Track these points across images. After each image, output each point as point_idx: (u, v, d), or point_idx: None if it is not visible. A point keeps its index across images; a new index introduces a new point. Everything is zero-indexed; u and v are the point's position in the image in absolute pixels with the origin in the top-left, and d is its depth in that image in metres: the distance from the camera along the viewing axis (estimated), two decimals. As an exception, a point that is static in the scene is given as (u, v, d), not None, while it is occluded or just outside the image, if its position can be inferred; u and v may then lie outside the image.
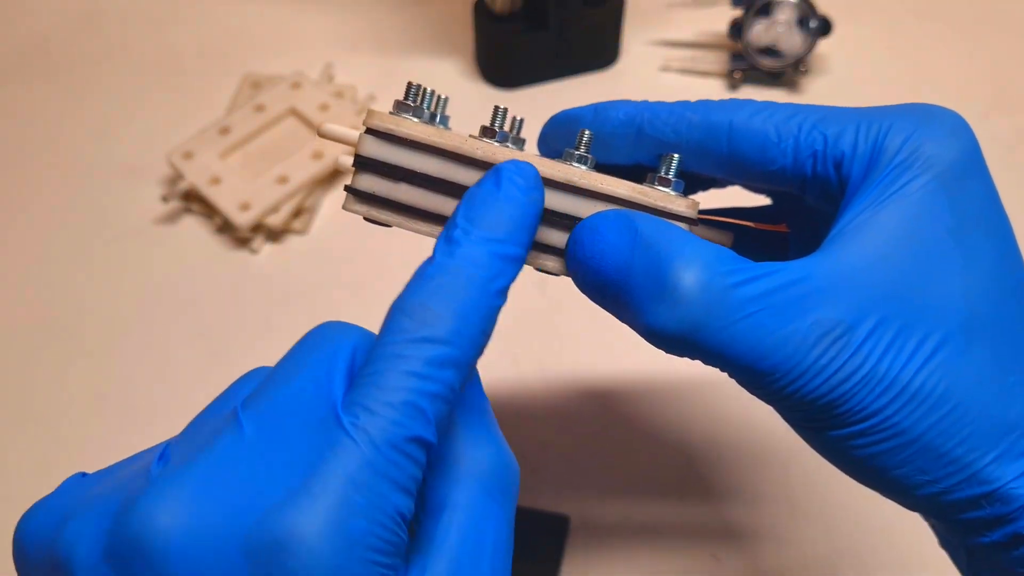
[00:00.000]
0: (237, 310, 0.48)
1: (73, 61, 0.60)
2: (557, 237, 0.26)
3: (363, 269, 0.49)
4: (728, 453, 0.42)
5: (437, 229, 0.27)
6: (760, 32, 0.54)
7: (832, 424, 0.23)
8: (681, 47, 0.59)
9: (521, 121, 0.29)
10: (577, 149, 0.27)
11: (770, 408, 0.28)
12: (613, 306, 0.25)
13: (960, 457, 0.23)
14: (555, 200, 0.26)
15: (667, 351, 0.24)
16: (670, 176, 0.26)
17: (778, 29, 0.53)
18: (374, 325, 0.49)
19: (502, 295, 0.23)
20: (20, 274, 0.49)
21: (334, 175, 0.53)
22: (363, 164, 0.28)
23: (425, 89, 0.28)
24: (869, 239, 0.24)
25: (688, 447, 0.42)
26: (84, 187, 0.53)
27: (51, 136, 0.56)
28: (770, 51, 0.55)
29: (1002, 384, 0.23)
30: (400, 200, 0.27)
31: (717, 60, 0.57)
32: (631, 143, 0.28)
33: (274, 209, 0.49)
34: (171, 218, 0.51)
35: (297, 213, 0.50)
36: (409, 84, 0.28)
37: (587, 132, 0.27)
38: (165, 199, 0.50)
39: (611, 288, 0.24)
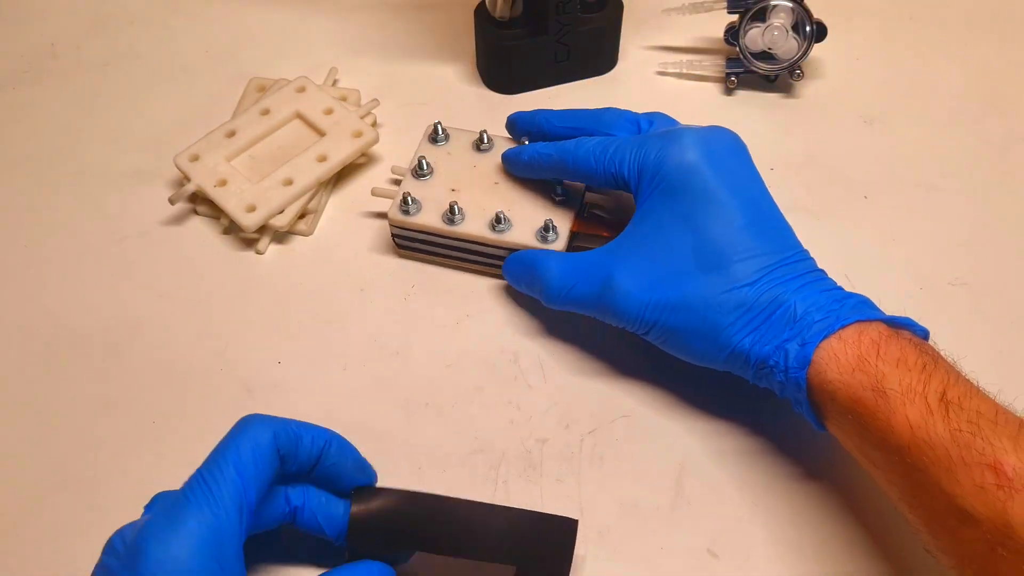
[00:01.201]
0: (243, 310, 0.48)
1: (81, 64, 0.61)
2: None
3: (367, 270, 0.50)
4: (728, 452, 0.43)
5: (457, 264, 0.50)
6: (755, 37, 0.55)
7: (644, 333, 0.42)
8: (678, 52, 0.60)
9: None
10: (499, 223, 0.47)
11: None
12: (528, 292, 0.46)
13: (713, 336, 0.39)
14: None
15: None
16: (558, 193, 0.48)
17: (773, 34, 0.54)
18: (375, 325, 0.50)
19: None
20: (27, 276, 0.50)
21: (338, 177, 0.53)
22: (395, 234, 0.50)
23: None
24: (634, 230, 0.43)
25: (688, 445, 0.43)
26: (91, 189, 0.54)
27: (58, 139, 0.56)
28: (765, 56, 0.56)
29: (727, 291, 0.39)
30: (425, 251, 0.50)
31: (713, 65, 0.58)
32: (534, 171, 0.48)
33: (279, 211, 0.50)
34: (178, 220, 0.52)
35: (302, 215, 0.51)
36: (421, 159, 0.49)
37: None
38: (172, 201, 0.51)
39: (523, 286, 0.46)
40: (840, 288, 0.40)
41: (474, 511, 0.36)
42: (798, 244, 0.41)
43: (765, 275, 0.39)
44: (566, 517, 0.36)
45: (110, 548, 0.31)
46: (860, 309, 0.38)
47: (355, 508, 0.36)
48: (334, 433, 0.36)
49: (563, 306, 0.43)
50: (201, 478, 0.31)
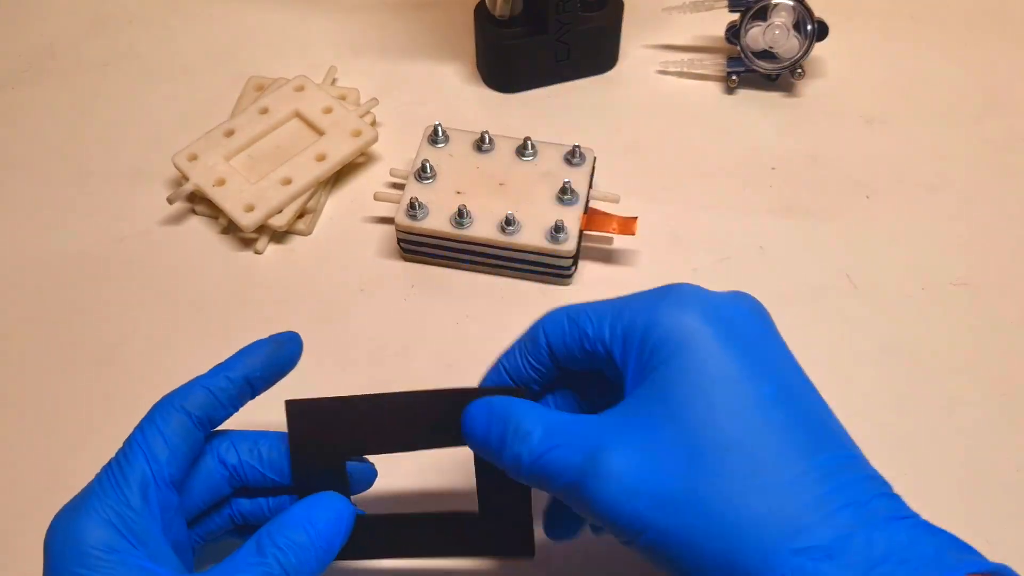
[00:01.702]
0: (242, 310, 0.48)
1: (79, 64, 0.60)
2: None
3: (367, 270, 0.50)
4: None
5: (465, 266, 0.49)
6: (757, 36, 0.55)
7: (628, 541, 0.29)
8: (678, 51, 0.60)
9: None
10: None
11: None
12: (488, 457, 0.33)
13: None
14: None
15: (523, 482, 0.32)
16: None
17: (775, 33, 0.54)
18: (375, 325, 0.50)
19: None
20: (26, 275, 0.50)
21: (337, 177, 0.53)
22: (402, 239, 0.49)
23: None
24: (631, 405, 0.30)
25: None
26: (90, 189, 0.54)
27: (57, 138, 0.56)
28: (767, 54, 0.55)
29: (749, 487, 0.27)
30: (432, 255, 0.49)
31: (714, 64, 0.58)
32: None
33: (278, 210, 0.50)
34: (176, 219, 0.52)
35: (301, 214, 0.51)
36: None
37: None
38: (170, 201, 0.51)
39: (489, 441, 0.32)
40: (916, 515, 0.28)
41: (415, 400, 0.34)
42: (854, 446, 0.30)
43: (822, 494, 0.27)
44: (511, 387, 0.34)
45: None
46: (958, 554, 0.27)
47: (291, 424, 0.34)
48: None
49: (533, 472, 0.30)
50: (108, 464, 0.32)
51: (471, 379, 0.45)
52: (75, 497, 0.31)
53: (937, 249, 0.50)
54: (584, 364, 0.33)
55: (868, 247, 0.50)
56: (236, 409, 0.35)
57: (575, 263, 0.48)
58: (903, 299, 0.48)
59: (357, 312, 0.48)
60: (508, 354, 0.35)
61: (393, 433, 0.34)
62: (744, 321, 0.30)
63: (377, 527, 0.35)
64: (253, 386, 0.35)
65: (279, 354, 0.36)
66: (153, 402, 0.44)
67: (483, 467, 0.34)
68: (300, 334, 0.46)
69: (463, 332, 0.47)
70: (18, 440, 0.44)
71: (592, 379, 0.34)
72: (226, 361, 0.35)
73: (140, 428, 0.33)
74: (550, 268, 0.48)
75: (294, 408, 0.34)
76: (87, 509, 0.30)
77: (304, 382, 0.45)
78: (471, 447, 0.33)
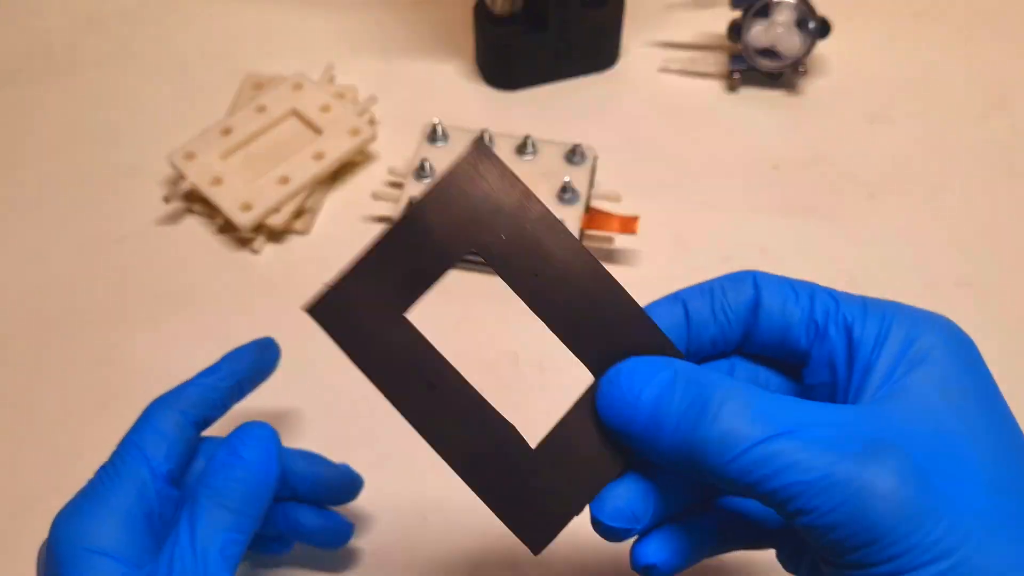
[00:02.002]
0: (239, 310, 0.48)
1: (75, 62, 0.60)
2: None
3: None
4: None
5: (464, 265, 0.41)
6: (759, 33, 0.54)
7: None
8: (680, 48, 0.59)
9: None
10: None
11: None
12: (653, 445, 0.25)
13: None
14: None
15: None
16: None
17: (777, 30, 0.54)
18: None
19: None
20: (21, 275, 0.49)
21: (335, 176, 0.53)
22: None
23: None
24: (912, 402, 0.24)
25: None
26: (86, 188, 0.53)
27: (53, 137, 0.56)
28: (769, 52, 0.55)
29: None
30: None
31: (716, 61, 0.57)
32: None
33: (275, 209, 0.49)
34: (173, 219, 0.52)
35: (298, 214, 0.50)
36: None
37: None
38: (167, 200, 0.50)
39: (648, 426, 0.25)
40: None
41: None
42: None
43: None
44: (672, 344, 0.26)
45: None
46: None
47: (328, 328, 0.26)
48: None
49: (751, 463, 0.23)
50: (104, 465, 0.31)
51: (470, 380, 0.44)
52: (74, 499, 0.31)
53: (940, 249, 0.49)
54: (773, 342, 0.27)
55: (871, 247, 0.50)
56: (227, 410, 0.35)
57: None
58: (906, 299, 0.47)
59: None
60: (695, 293, 0.28)
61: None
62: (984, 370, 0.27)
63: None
64: (242, 388, 0.35)
65: (263, 358, 0.37)
66: (149, 402, 0.44)
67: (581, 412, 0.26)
68: (298, 333, 0.46)
69: (463, 332, 0.47)
70: (15, 440, 0.43)
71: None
72: (216, 364, 0.35)
73: (136, 427, 0.32)
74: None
75: (319, 308, 0.26)
76: (88, 513, 0.30)
77: (304, 382, 0.45)
78: (609, 413, 0.26)
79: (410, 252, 0.25)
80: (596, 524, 0.26)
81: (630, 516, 0.26)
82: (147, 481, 0.30)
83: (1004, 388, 0.33)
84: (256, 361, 0.36)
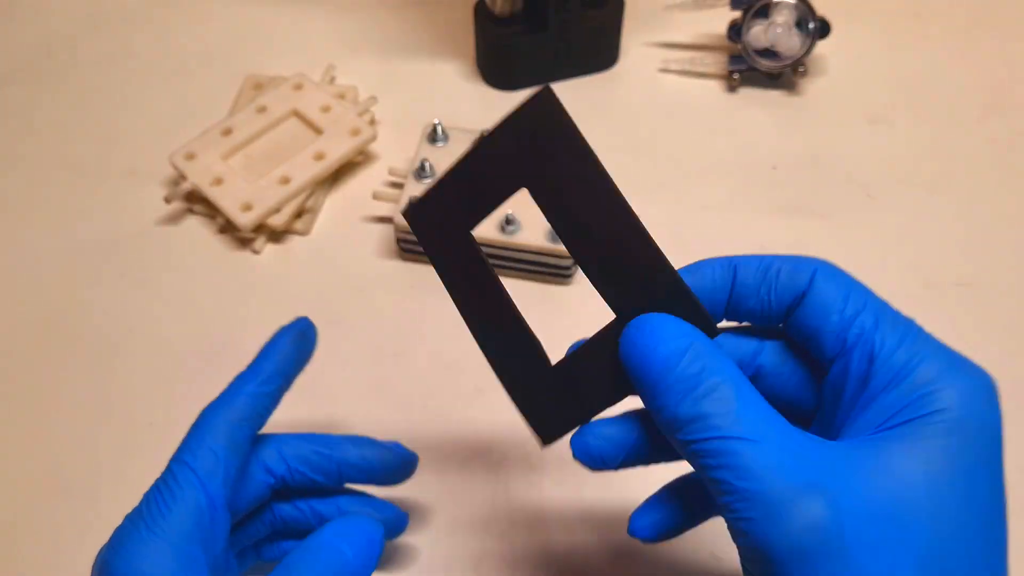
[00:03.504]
0: (239, 310, 0.48)
1: (76, 63, 0.60)
2: None
3: (366, 270, 0.49)
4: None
5: None
6: (758, 34, 0.54)
7: None
8: (680, 49, 0.59)
9: None
10: None
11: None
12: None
13: None
14: None
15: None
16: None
17: (776, 31, 0.54)
18: (374, 325, 0.50)
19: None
20: (22, 275, 0.50)
21: (336, 176, 0.53)
22: (401, 239, 0.47)
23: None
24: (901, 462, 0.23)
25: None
26: (87, 188, 0.53)
27: (54, 138, 0.56)
28: (768, 53, 0.55)
29: None
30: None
31: (716, 62, 0.57)
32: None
33: (276, 210, 0.49)
34: (173, 219, 0.52)
35: (299, 214, 0.51)
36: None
37: None
38: (168, 200, 0.50)
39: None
40: None
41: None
42: None
43: None
44: (708, 315, 0.27)
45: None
46: None
47: (415, 228, 0.30)
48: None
49: (716, 459, 0.24)
50: (156, 486, 0.30)
51: (471, 379, 0.44)
52: (129, 522, 0.30)
53: (939, 249, 0.50)
54: (805, 339, 0.27)
55: (870, 247, 0.50)
56: (276, 407, 0.34)
57: (576, 263, 0.48)
58: (905, 299, 0.47)
59: (356, 312, 0.48)
60: (751, 264, 0.28)
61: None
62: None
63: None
64: (288, 380, 0.34)
65: (303, 345, 0.35)
66: (149, 403, 0.44)
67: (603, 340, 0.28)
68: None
69: (463, 332, 0.46)
70: (15, 440, 0.43)
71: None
72: (259, 360, 0.34)
73: (188, 446, 0.31)
74: (550, 268, 0.48)
75: (412, 211, 0.30)
76: (143, 542, 0.28)
77: (303, 382, 0.45)
78: (623, 353, 0.27)
79: (476, 179, 0.29)
80: (575, 449, 0.29)
81: (598, 457, 0.29)
82: (203, 509, 0.29)
83: (1004, 389, 0.33)
84: (296, 350, 0.35)
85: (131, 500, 0.34)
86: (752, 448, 0.24)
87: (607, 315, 0.28)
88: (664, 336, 0.26)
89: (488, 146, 0.28)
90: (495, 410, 0.44)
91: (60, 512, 0.41)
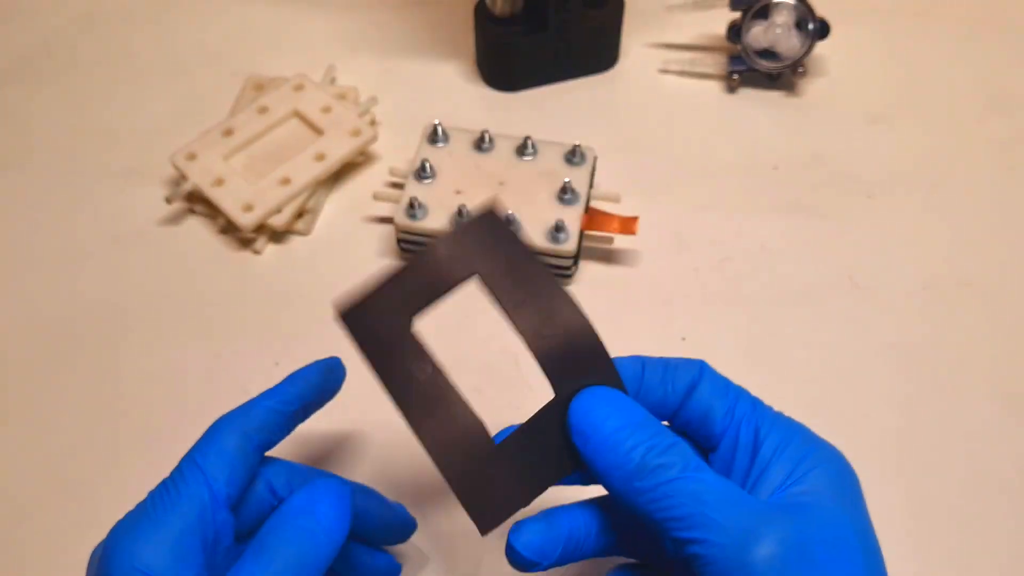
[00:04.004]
0: (240, 311, 0.48)
1: (76, 63, 0.60)
2: None
3: (366, 270, 0.49)
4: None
5: None
6: (758, 34, 0.54)
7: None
8: (680, 49, 0.59)
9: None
10: None
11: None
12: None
13: None
14: None
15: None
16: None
17: (776, 31, 0.54)
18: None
19: None
20: (23, 276, 0.50)
21: (336, 176, 0.53)
22: (401, 239, 0.48)
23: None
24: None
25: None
26: (87, 189, 0.53)
27: (54, 138, 0.56)
28: (768, 53, 0.55)
29: None
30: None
31: (715, 62, 0.57)
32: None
33: (277, 210, 0.49)
34: (174, 219, 0.52)
35: (300, 214, 0.51)
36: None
37: None
38: (169, 200, 0.50)
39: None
40: None
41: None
42: None
43: None
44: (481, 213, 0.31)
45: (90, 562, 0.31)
46: None
47: (352, 330, 0.31)
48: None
49: (654, 503, 0.28)
50: (164, 483, 0.31)
51: (471, 379, 0.44)
52: (131, 513, 0.30)
53: (940, 248, 0.50)
54: (695, 421, 0.31)
55: (870, 247, 0.50)
56: (289, 433, 0.34)
57: (575, 263, 0.48)
58: (905, 299, 0.48)
59: (356, 312, 0.48)
60: (654, 361, 0.32)
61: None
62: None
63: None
64: (306, 411, 0.34)
65: (329, 380, 0.35)
66: (150, 403, 0.44)
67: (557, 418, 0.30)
68: (299, 332, 0.47)
69: (463, 333, 0.47)
70: (16, 441, 0.43)
71: None
72: (282, 384, 0.34)
73: (199, 446, 0.32)
74: (550, 268, 0.48)
75: (347, 312, 0.31)
76: (143, 531, 0.29)
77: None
78: (575, 421, 0.29)
79: (422, 275, 0.30)
80: (509, 549, 0.30)
81: (537, 551, 0.30)
82: (206, 505, 0.30)
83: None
84: (322, 383, 0.35)
85: (131, 500, 0.34)
86: (714, 479, 0.27)
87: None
88: (618, 406, 0.29)
89: (443, 246, 0.31)
90: (494, 410, 0.43)
91: (60, 512, 0.41)
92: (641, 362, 0.32)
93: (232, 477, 0.31)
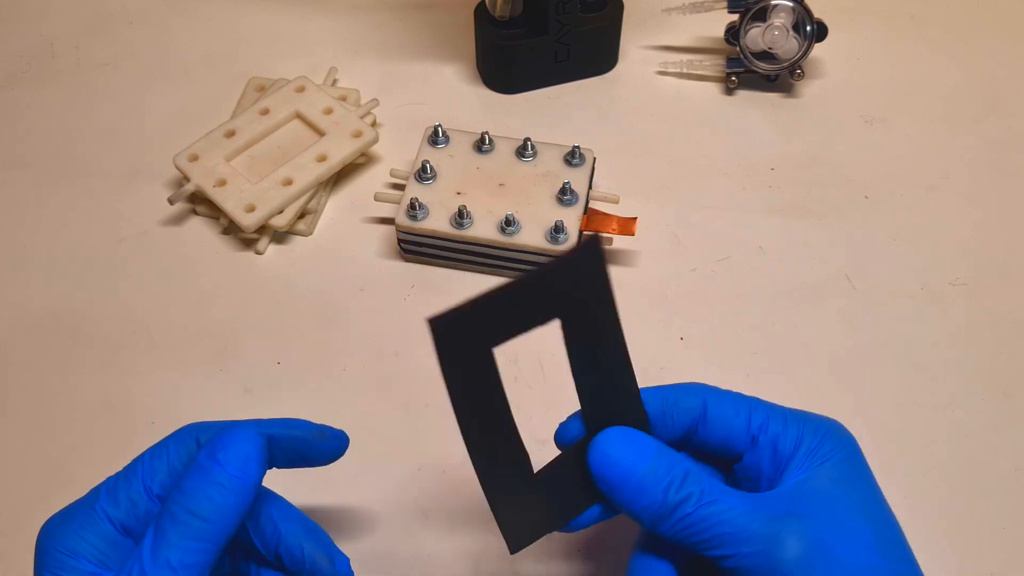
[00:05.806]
0: (242, 311, 0.48)
1: (79, 64, 0.60)
2: None
3: (367, 270, 0.50)
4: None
5: (465, 267, 0.49)
6: (756, 36, 0.55)
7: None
8: (678, 52, 0.60)
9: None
10: None
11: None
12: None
13: None
14: None
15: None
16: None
17: (774, 33, 0.54)
18: (375, 325, 0.50)
19: None
20: (26, 276, 0.50)
21: (338, 177, 0.53)
22: (402, 239, 0.49)
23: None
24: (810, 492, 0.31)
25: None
26: (90, 190, 0.54)
27: (57, 139, 0.56)
28: (766, 55, 0.55)
29: None
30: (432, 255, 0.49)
31: (714, 64, 0.58)
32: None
33: (279, 211, 0.50)
34: (177, 220, 0.52)
35: (302, 215, 0.51)
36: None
37: None
38: (171, 201, 0.51)
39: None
40: None
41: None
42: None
43: None
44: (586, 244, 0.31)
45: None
46: None
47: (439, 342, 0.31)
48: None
49: (694, 527, 0.30)
50: (110, 477, 0.32)
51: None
52: (69, 505, 0.31)
53: (936, 249, 0.50)
54: (717, 445, 0.33)
55: (867, 247, 0.50)
56: (264, 465, 0.32)
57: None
58: (902, 299, 0.48)
59: (357, 312, 0.48)
60: (651, 392, 0.33)
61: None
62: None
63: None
64: (273, 457, 0.33)
65: (314, 443, 0.34)
66: (151, 404, 0.45)
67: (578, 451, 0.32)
68: (299, 331, 0.47)
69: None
70: (17, 441, 0.44)
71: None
72: (264, 420, 0.33)
73: (151, 448, 0.32)
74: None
75: (438, 324, 0.30)
76: (71, 515, 0.30)
77: (304, 382, 0.45)
78: (595, 470, 0.31)
79: (515, 302, 0.31)
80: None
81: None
82: (142, 500, 0.31)
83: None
84: (305, 441, 0.33)
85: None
86: (730, 506, 0.29)
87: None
88: (633, 443, 0.31)
89: (536, 279, 0.31)
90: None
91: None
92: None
93: (170, 480, 0.31)
